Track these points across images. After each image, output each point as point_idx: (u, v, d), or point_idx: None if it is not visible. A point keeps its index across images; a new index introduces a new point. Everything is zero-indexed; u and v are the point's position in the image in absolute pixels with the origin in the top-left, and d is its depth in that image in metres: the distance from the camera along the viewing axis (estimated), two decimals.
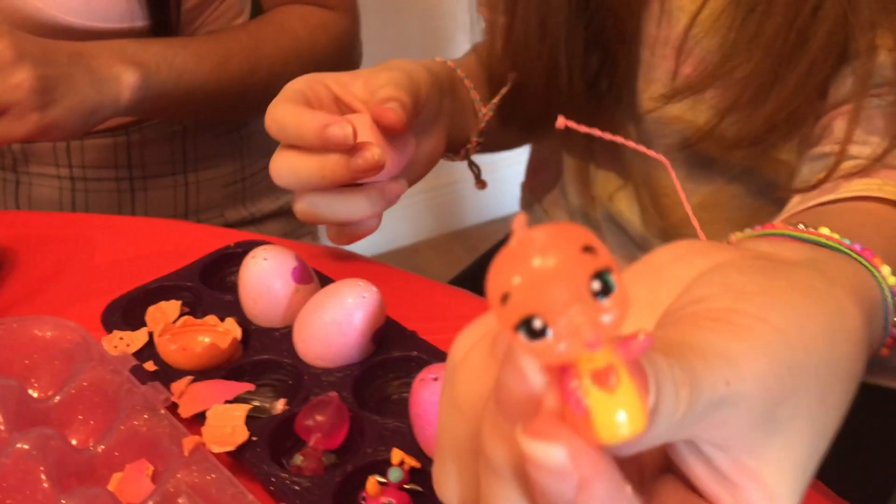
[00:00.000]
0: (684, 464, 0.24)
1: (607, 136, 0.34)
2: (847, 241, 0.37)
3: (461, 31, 0.79)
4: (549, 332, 0.18)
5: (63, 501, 0.41)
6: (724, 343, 0.23)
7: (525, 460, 0.19)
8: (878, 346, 0.37)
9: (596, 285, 0.18)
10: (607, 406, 0.18)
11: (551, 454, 0.19)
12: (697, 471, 0.24)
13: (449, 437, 0.24)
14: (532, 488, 0.20)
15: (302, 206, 0.59)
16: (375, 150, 0.55)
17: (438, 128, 0.66)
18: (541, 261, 0.18)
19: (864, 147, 0.53)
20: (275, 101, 0.57)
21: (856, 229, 0.39)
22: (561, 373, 0.19)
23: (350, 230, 0.61)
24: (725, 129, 0.60)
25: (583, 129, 0.31)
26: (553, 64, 0.68)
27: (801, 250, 0.35)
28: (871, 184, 0.50)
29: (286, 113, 0.56)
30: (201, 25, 0.88)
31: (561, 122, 0.30)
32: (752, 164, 0.65)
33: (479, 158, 0.77)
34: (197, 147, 0.93)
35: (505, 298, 0.18)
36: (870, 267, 0.36)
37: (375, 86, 0.57)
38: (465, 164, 0.77)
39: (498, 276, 0.18)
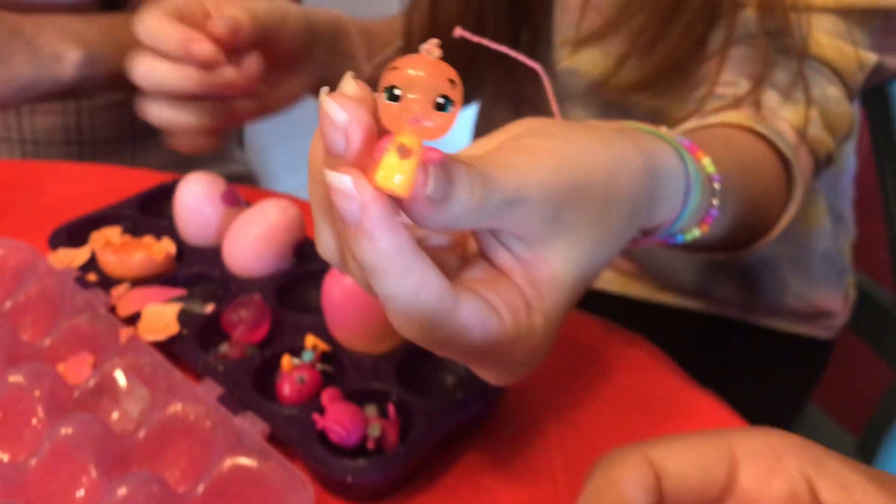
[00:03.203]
0: (493, 253, 0.33)
1: (494, 44, 0.41)
2: (680, 138, 0.44)
3: None
4: (398, 103, 0.27)
5: (11, 371, 0.47)
6: (520, 162, 0.31)
7: (329, 189, 0.28)
8: (683, 221, 0.43)
9: (440, 101, 0.27)
10: (391, 166, 0.27)
11: (341, 180, 0.27)
12: (502, 256, 0.33)
13: (314, 203, 0.31)
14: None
15: (151, 109, 0.63)
16: (231, 69, 0.60)
17: (304, 70, 0.70)
18: (417, 69, 0.27)
19: (732, 87, 0.62)
20: (150, 9, 0.61)
21: (704, 140, 0.46)
22: (383, 137, 0.28)
23: (192, 139, 0.65)
24: (623, 76, 0.68)
25: (475, 38, 0.38)
26: (479, 22, 0.75)
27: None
28: (732, 114, 0.59)
29: (157, 22, 0.60)
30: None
31: (458, 32, 0.37)
32: (657, 109, 0.73)
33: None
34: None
35: (388, 71, 0.28)
36: (685, 155, 0.43)
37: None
38: None
39: (394, 63, 0.27)
